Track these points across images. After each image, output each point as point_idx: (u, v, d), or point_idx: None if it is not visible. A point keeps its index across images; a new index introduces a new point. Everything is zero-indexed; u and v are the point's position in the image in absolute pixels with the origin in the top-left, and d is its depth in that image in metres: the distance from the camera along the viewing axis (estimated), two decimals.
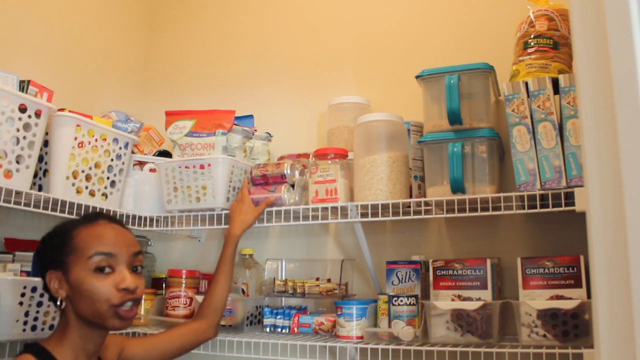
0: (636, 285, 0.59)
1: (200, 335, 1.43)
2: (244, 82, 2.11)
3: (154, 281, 1.91)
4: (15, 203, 1.37)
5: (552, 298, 1.35)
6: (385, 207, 1.48)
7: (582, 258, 1.36)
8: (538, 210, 1.34)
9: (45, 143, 1.52)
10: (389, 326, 1.46)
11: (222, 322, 1.65)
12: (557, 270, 1.37)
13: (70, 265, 1.11)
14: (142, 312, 1.78)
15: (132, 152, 1.78)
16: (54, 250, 1.14)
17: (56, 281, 1.12)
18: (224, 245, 1.56)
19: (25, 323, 1.36)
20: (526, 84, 1.37)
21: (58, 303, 1.13)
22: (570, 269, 1.36)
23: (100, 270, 1.11)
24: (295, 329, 1.65)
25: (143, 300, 1.78)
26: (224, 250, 1.55)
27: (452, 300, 1.45)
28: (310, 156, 1.73)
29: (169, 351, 1.37)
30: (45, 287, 1.15)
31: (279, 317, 1.69)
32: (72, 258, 1.11)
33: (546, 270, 1.38)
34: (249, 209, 1.62)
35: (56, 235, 1.16)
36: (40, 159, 1.51)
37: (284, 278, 1.84)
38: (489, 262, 1.44)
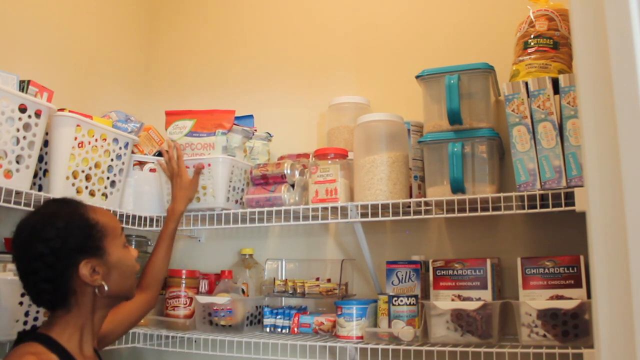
0: (636, 285, 0.59)
1: (149, 305, 1.50)
2: (244, 82, 2.11)
3: None
4: (15, 203, 1.37)
5: (552, 298, 1.35)
6: (385, 207, 1.48)
7: (582, 258, 1.36)
8: (538, 210, 1.34)
9: (45, 143, 1.52)
10: (389, 326, 1.46)
11: (222, 322, 1.66)
12: (557, 270, 1.37)
13: (107, 248, 1.15)
14: None
15: (132, 152, 1.78)
16: (86, 239, 1.12)
17: (91, 269, 1.12)
18: (166, 221, 1.59)
19: (25, 323, 1.36)
20: (526, 84, 1.37)
21: (98, 290, 1.13)
22: (570, 269, 1.36)
23: (126, 244, 1.21)
24: (295, 329, 1.65)
25: None
26: (165, 226, 1.58)
27: (452, 300, 1.45)
28: (310, 156, 1.73)
29: (130, 322, 1.44)
30: (61, 282, 1.10)
31: (279, 317, 1.69)
32: (109, 240, 1.16)
33: (546, 270, 1.38)
34: (188, 183, 1.64)
35: (75, 226, 1.12)
36: (40, 159, 1.51)
37: (284, 278, 1.84)
38: (489, 262, 1.44)
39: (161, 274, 1.54)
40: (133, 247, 1.28)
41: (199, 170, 1.65)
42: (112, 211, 1.64)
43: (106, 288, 1.13)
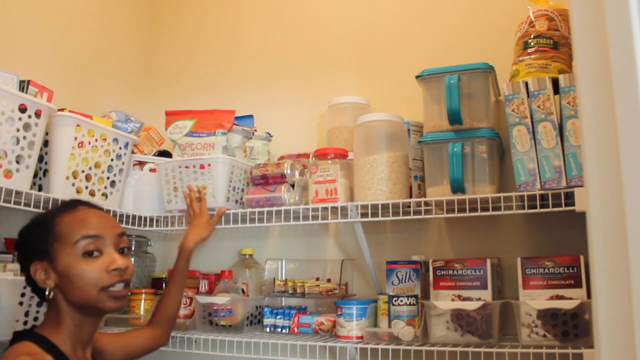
0: (636, 285, 0.59)
1: (157, 342, 1.47)
2: (244, 82, 2.11)
3: (154, 281, 1.91)
4: (15, 203, 1.37)
5: (552, 298, 1.35)
6: (385, 207, 1.48)
7: (582, 258, 1.36)
8: (538, 210, 1.34)
9: (45, 143, 1.52)
10: (389, 326, 1.46)
11: (222, 322, 1.66)
12: (557, 270, 1.37)
13: (56, 254, 1.11)
14: (142, 312, 1.78)
15: (132, 152, 1.78)
16: (37, 241, 1.13)
17: (42, 272, 1.11)
18: (177, 257, 1.56)
19: (25, 323, 1.36)
20: (526, 84, 1.37)
21: (47, 293, 1.11)
22: (570, 269, 1.36)
23: (88, 254, 1.11)
24: (295, 329, 1.65)
25: (143, 301, 1.79)
26: (177, 264, 1.55)
27: (452, 300, 1.45)
28: (310, 156, 1.73)
29: (131, 352, 1.39)
30: (29, 280, 1.14)
31: (279, 317, 1.69)
32: (58, 246, 1.11)
33: (546, 270, 1.38)
34: (205, 223, 1.63)
35: (36, 226, 1.14)
36: (40, 159, 1.51)
37: (284, 278, 1.84)
38: (489, 262, 1.44)
39: (172, 312, 1.51)
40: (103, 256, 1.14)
41: (220, 214, 1.64)
42: (111, 212, 1.65)
43: (47, 292, 1.11)
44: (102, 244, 1.13)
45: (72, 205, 1.18)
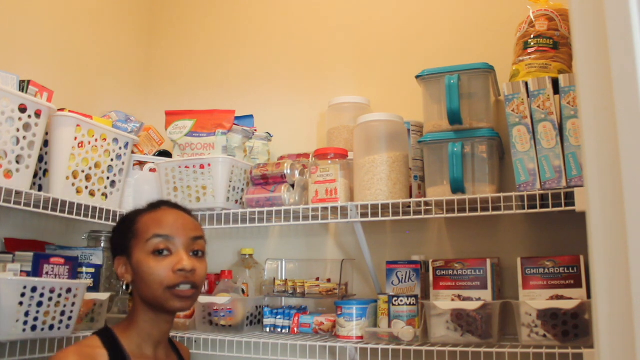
0: (636, 285, 0.59)
1: None
2: (244, 82, 2.11)
3: None
4: (15, 203, 1.37)
5: (552, 298, 1.35)
6: (385, 207, 1.48)
7: (582, 258, 1.36)
8: (538, 210, 1.34)
9: (45, 143, 1.52)
10: (389, 326, 1.46)
11: (222, 322, 1.66)
12: (557, 270, 1.37)
13: (132, 249, 1.17)
14: None
15: (132, 152, 1.78)
16: (120, 236, 1.22)
17: (123, 266, 1.20)
18: None
19: (25, 323, 1.36)
20: (526, 84, 1.37)
21: (125, 288, 1.20)
22: (570, 269, 1.36)
23: (158, 252, 1.15)
24: (295, 329, 1.65)
25: None
26: None
27: (452, 300, 1.45)
28: (310, 156, 1.73)
29: None
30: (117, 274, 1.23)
31: (279, 317, 1.69)
32: (134, 242, 1.17)
33: (546, 270, 1.38)
34: None
35: (122, 223, 1.24)
36: (40, 159, 1.51)
37: (284, 278, 1.84)
38: (489, 262, 1.44)
39: None
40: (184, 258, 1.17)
41: None
42: (111, 212, 1.65)
43: (125, 287, 1.21)
44: (172, 244, 1.17)
45: (156, 205, 1.25)
